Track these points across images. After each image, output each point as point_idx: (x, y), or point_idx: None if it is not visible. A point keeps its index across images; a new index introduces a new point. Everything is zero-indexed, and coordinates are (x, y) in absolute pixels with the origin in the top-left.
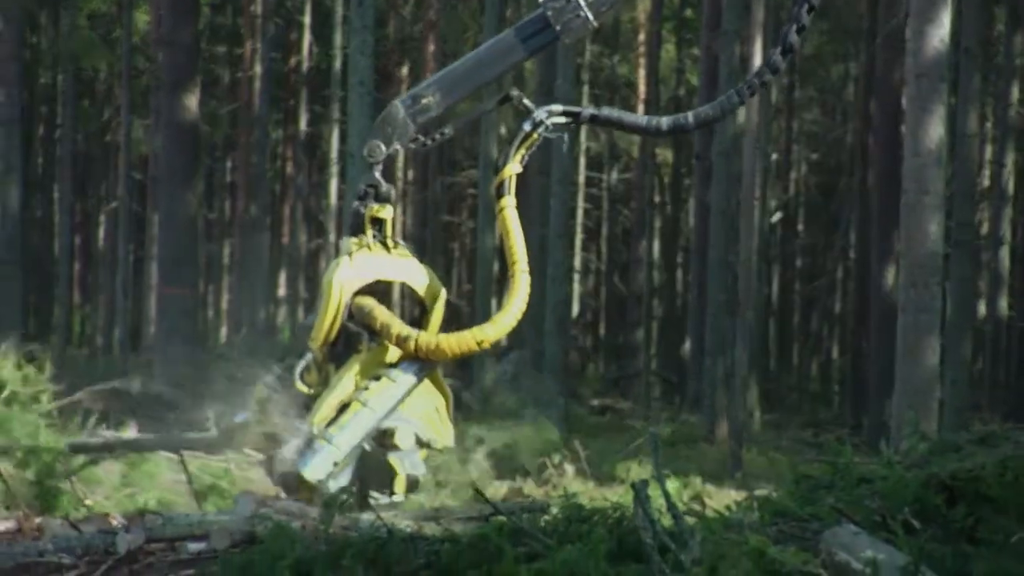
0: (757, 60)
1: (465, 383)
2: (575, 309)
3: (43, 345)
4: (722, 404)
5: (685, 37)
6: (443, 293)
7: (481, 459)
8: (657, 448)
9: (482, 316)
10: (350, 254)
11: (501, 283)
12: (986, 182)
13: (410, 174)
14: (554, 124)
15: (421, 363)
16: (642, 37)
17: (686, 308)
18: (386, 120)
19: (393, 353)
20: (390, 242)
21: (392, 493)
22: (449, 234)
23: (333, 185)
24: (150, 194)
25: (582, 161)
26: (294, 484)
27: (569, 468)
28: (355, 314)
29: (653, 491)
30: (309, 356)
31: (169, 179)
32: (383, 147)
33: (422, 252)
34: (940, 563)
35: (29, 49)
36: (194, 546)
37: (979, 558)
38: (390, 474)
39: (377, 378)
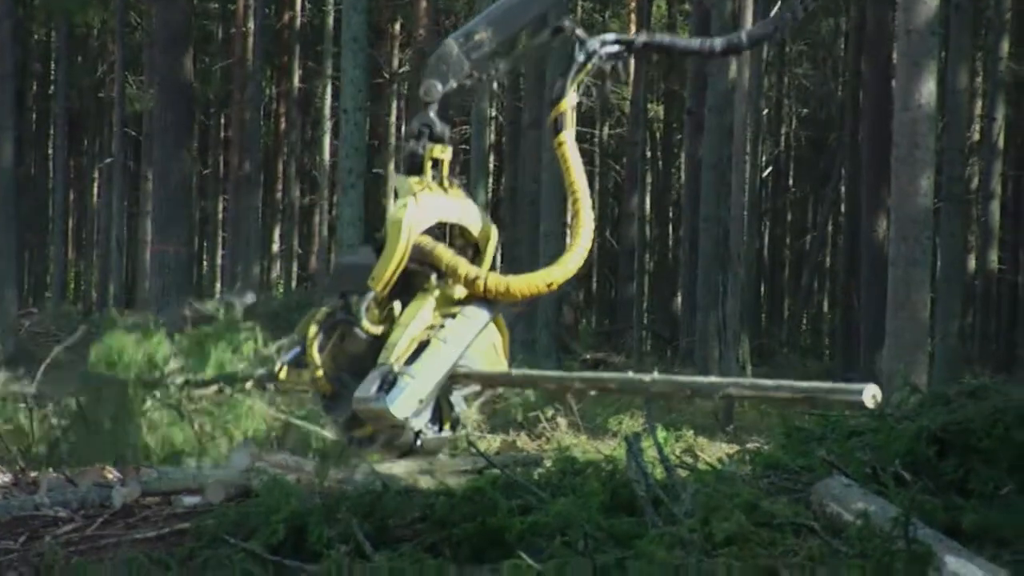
0: (749, 15)
1: None
2: None
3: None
4: (714, 358)
5: None
6: (495, 234)
7: (474, 412)
8: (650, 402)
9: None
10: (415, 194)
11: None
12: (976, 136)
13: (403, 130)
14: (607, 53)
15: (492, 301)
16: None
17: (678, 263)
18: (440, 58)
19: (460, 291)
20: (446, 182)
21: (440, 428)
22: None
23: (326, 141)
24: (144, 151)
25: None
26: (374, 420)
27: (562, 421)
28: (415, 254)
29: (646, 444)
30: (370, 295)
31: (163, 136)
32: (439, 86)
33: None
34: (931, 515)
35: (22, 6)
36: (189, 500)
37: (969, 510)
38: (439, 410)
39: (451, 316)
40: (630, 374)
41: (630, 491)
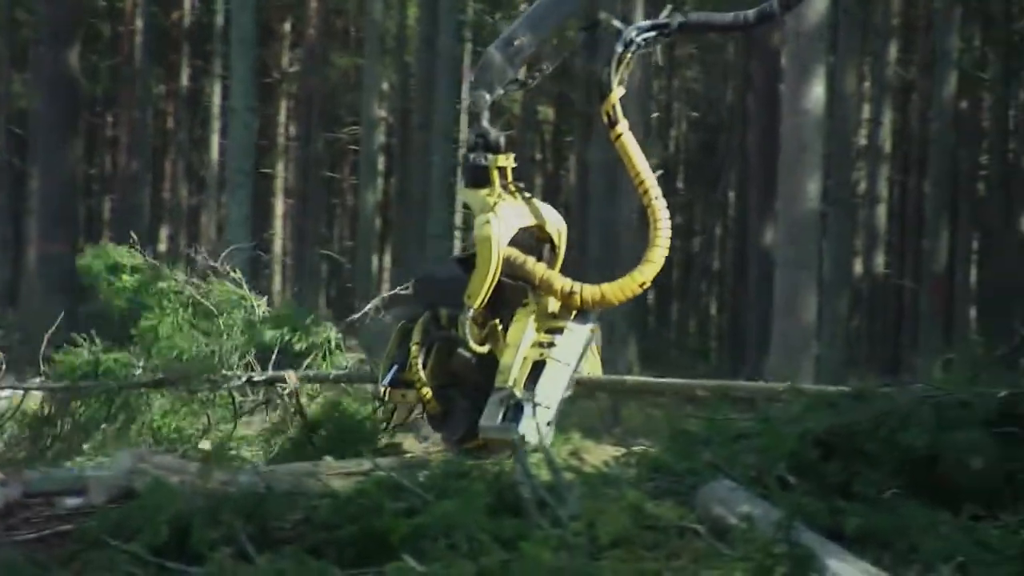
0: (639, 16)
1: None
2: None
3: None
4: (602, 360)
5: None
6: (564, 227)
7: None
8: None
9: (363, 273)
10: (493, 208)
11: (383, 239)
12: (863, 141)
13: (292, 130)
14: (645, 40)
15: (587, 311)
16: None
17: (566, 264)
18: (484, 68)
19: (555, 303)
20: (511, 187)
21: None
22: (331, 190)
23: (215, 141)
24: (29, 149)
25: (463, 118)
26: (503, 445)
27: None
28: (505, 268)
29: (532, 447)
30: (468, 313)
31: (48, 134)
32: (487, 95)
33: (304, 208)
34: (814, 518)
35: None
36: (71, 501)
37: (853, 513)
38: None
39: (558, 330)
40: (762, 382)
41: (516, 493)
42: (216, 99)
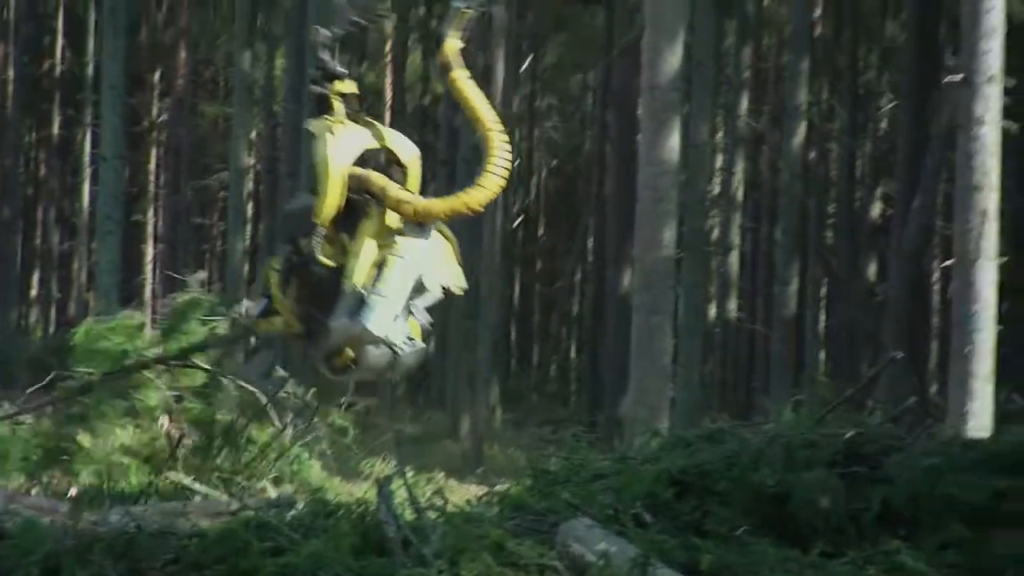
0: (500, 68)
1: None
2: None
3: None
4: (465, 402)
5: (431, 47)
6: (418, 154)
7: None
8: (400, 445)
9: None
10: (331, 130)
11: (251, 282)
12: (716, 190)
13: (161, 177)
14: None
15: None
16: (389, 47)
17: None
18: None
19: (395, 215)
20: (358, 116)
21: (411, 339)
22: (200, 236)
23: (86, 188)
24: None
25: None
26: (354, 344)
27: (315, 464)
28: (353, 185)
29: (397, 486)
30: (321, 231)
31: None
32: (326, 32)
33: (174, 253)
34: (669, 555)
35: None
36: None
37: (706, 550)
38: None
39: (399, 233)
40: None
41: (381, 533)
42: (87, 147)
